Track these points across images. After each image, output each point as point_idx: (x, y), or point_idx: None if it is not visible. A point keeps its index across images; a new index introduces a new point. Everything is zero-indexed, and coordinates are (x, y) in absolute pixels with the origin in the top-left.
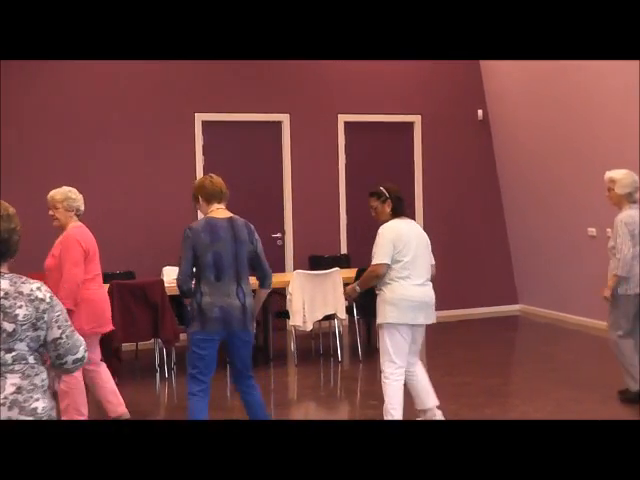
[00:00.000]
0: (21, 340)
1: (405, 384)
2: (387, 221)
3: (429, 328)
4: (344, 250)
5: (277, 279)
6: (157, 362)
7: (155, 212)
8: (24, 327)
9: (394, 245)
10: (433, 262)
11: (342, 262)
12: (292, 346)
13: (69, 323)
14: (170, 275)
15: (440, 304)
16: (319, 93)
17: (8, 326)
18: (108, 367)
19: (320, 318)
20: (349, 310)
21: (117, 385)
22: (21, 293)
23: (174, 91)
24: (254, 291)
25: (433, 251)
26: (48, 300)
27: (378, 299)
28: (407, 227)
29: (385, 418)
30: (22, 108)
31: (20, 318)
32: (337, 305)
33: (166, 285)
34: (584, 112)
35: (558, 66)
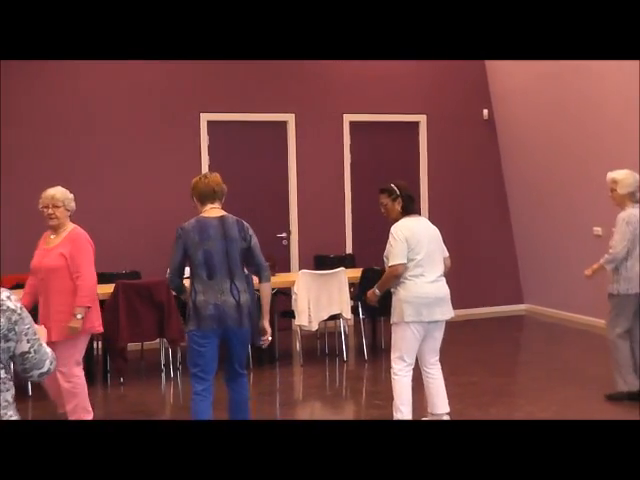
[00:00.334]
0: None
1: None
2: (397, 219)
3: None
4: (349, 250)
5: (282, 279)
6: (163, 362)
7: (161, 212)
8: None
9: (407, 244)
10: (447, 254)
11: (347, 262)
12: (297, 346)
13: (37, 337)
14: None
15: None
16: (324, 93)
17: None
18: (114, 367)
19: (325, 318)
20: (354, 310)
21: (122, 385)
22: None
23: (179, 91)
24: (257, 290)
25: None
26: (19, 311)
27: (393, 298)
28: (418, 225)
29: (394, 414)
30: (24, 108)
31: None
32: (342, 305)
33: None
34: (589, 111)
35: (563, 66)
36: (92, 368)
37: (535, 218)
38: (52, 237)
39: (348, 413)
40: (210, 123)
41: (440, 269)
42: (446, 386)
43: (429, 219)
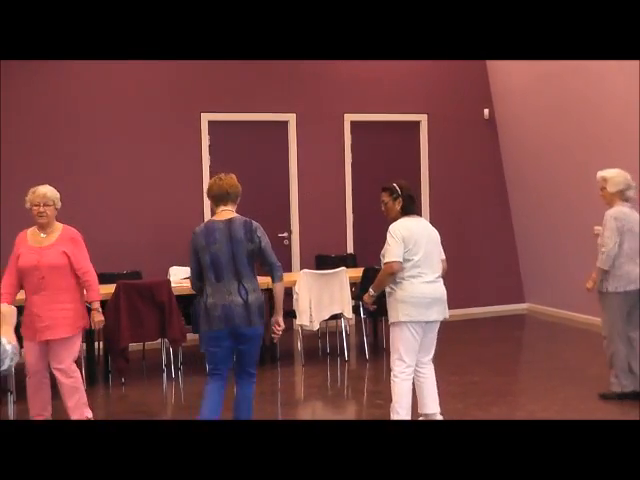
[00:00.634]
0: None
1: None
2: (396, 218)
3: None
4: (350, 249)
5: (284, 278)
6: (164, 362)
7: (162, 212)
8: None
9: (404, 244)
10: (443, 257)
11: (348, 261)
12: (299, 346)
13: None
14: (177, 275)
15: (447, 303)
16: (325, 93)
17: None
18: (115, 367)
19: (327, 317)
20: (356, 309)
21: (124, 385)
22: None
23: (180, 91)
24: (269, 290)
25: None
26: None
27: (390, 298)
28: (417, 225)
29: (392, 416)
30: (24, 108)
31: None
32: (344, 304)
33: (173, 285)
34: (590, 111)
35: (564, 66)
36: (93, 368)
37: (536, 217)
38: (43, 236)
39: (349, 413)
40: (211, 123)
41: (438, 270)
42: (447, 386)
43: (430, 218)
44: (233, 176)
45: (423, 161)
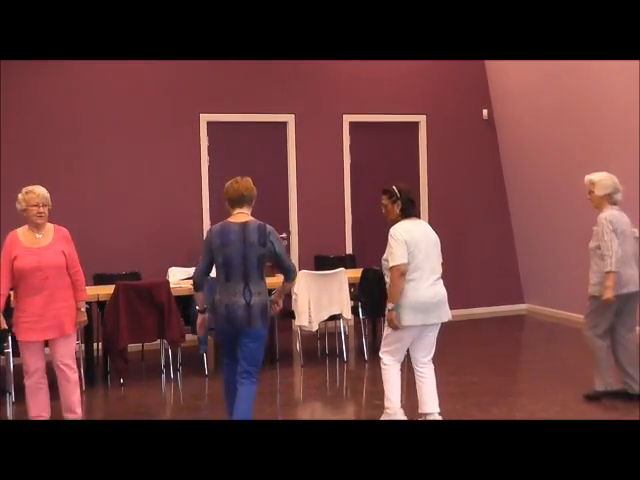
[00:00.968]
0: None
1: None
2: (396, 221)
3: None
4: (349, 250)
5: (273, 280)
6: (163, 363)
7: (161, 213)
8: None
9: (407, 246)
10: (441, 260)
11: (347, 262)
12: (298, 346)
13: None
14: (176, 276)
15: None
16: (324, 93)
17: None
18: (114, 368)
19: (326, 318)
20: (355, 310)
21: (123, 386)
22: None
23: (179, 92)
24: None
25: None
26: None
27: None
28: (416, 228)
29: (385, 404)
30: (22, 109)
31: None
32: (343, 305)
33: (172, 286)
34: (589, 111)
35: (563, 66)
36: (92, 369)
37: (535, 218)
38: (39, 236)
39: (348, 413)
40: (210, 124)
41: (437, 272)
42: (447, 386)
43: (429, 219)
44: (249, 179)
45: (422, 162)
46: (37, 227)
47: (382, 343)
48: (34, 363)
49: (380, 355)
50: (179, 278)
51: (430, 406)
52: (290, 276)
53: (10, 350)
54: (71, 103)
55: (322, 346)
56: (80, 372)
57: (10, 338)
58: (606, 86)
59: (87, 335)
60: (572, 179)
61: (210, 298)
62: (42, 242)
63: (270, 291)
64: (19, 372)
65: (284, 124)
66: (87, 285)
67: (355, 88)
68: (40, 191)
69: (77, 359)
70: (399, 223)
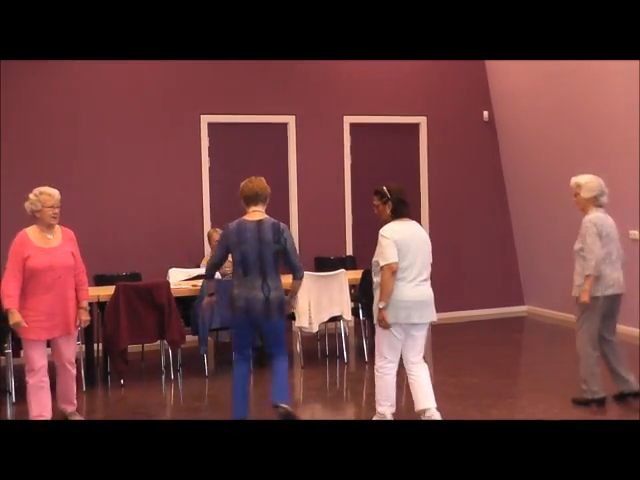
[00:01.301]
0: None
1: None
2: (387, 221)
3: (435, 329)
4: (350, 252)
5: (283, 281)
6: (163, 364)
7: (161, 214)
8: None
9: (396, 245)
10: (430, 262)
11: (348, 263)
12: (298, 347)
13: None
14: (176, 277)
15: (446, 305)
16: (325, 95)
17: None
18: (114, 369)
19: (326, 320)
20: (355, 311)
21: (123, 387)
22: None
23: (180, 93)
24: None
25: (439, 252)
26: None
27: (375, 299)
28: (406, 229)
29: (376, 408)
30: (23, 109)
31: None
32: (343, 306)
33: (172, 287)
34: (590, 113)
35: (563, 67)
36: (92, 370)
37: (535, 220)
38: (50, 237)
39: (349, 415)
40: (210, 125)
41: (425, 273)
42: (446, 388)
43: (429, 220)
44: (262, 179)
45: (422, 163)
46: (48, 228)
47: (376, 348)
48: (38, 361)
49: (375, 361)
50: (179, 279)
51: (424, 402)
52: (298, 274)
53: (10, 350)
54: (71, 104)
55: (322, 347)
56: (80, 373)
57: (11, 338)
58: (606, 87)
59: (87, 336)
60: None
61: (230, 291)
62: (53, 242)
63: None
64: (19, 372)
65: (284, 125)
66: (88, 286)
67: (356, 90)
68: (54, 192)
69: (77, 360)
70: (389, 224)
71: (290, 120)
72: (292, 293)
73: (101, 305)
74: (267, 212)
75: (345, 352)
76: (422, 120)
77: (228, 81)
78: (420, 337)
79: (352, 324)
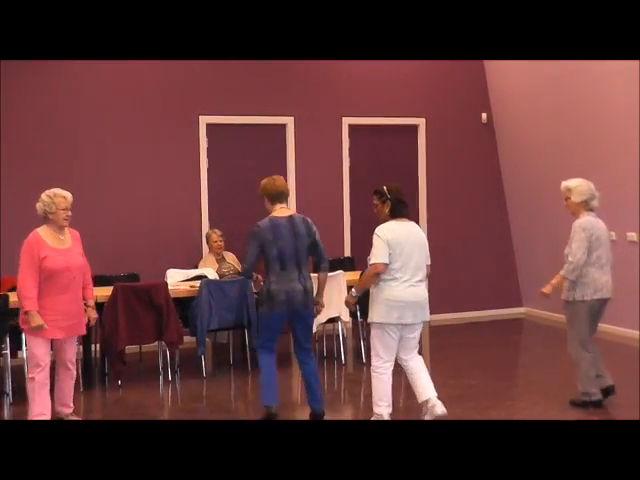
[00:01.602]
0: None
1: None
2: (385, 221)
3: (434, 331)
4: (348, 253)
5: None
6: (161, 365)
7: (159, 214)
8: None
9: (389, 246)
10: (429, 262)
11: (346, 265)
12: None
13: None
14: (174, 277)
15: (445, 307)
16: (323, 96)
17: None
18: (112, 370)
19: (324, 321)
20: (353, 313)
21: (121, 388)
22: None
23: (178, 93)
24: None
25: (437, 253)
26: None
27: (370, 299)
28: (402, 229)
29: (373, 408)
30: (20, 109)
31: None
32: (341, 308)
33: (170, 288)
34: (588, 115)
35: (562, 69)
36: (90, 371)
37: (534, 221)
38: (62, 237)
39: (346, 416)
40: (209, 126)
41: (420, 274)
42: (445, 389)
43: (427, 222)
44: (282, 177)
45: (421, 165)
46: (60, 229)
47: (371, 349)
48: (45, 359)
49: (371, 361)
50: (177, 280)
51: (425, 393)
52: (324, 265)
53: (8, 351)
54: (69, 104)
55: (320, 349)
56: (78, 373)
57: (8, 339)
58: (605, 89)
59: (85, 336)
60: None
61: (266, 287)
62: (65, 243)
63: None
64: (16, 374)
65: (283, 126)
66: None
67: (354, 91)
68: (68, 195)
69: (75, 360)
70: (386, 223)
71: (289, 121)
72: (320, 288)
73: (99, 306)
74: (265, 212)
75: (343, 353)
76: (421, 122)
77: (227, 82)
78: (414, 339)
79: (350, 325)
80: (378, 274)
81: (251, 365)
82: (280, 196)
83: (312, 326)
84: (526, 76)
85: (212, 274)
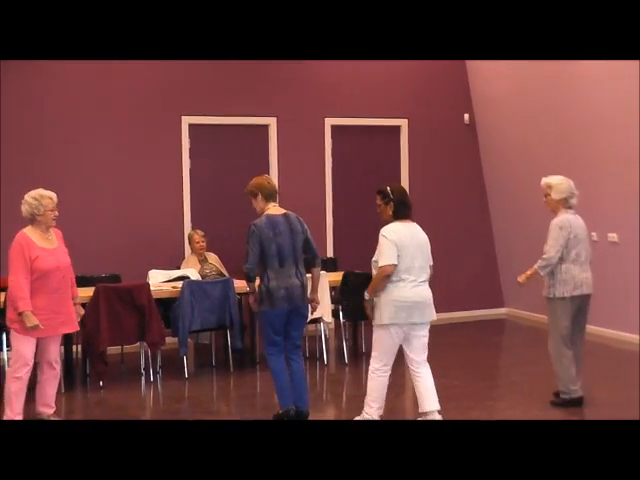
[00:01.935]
0: None
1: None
2: (388, 221)
3: None
4: (330, 253)
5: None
6: (142, 365)
7: (141, 214)
8: None
9: (396, 247)
10: (431, 263)
11: (329, 265)
12: None
13: None
14: (156, 278)
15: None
16: (306, 97)
17: None
18: (94, 371)
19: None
20: (335, 313)
21: (102, 389)
22: None
23: (161, 94)
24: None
25: None
26: None
27: (376, 301)
28: (406, 230)
29: (364, 408)
30: (11, 110)
31: None
32: (323, 308)
33: (152, 288)
34: (571, 117)
35: (545, 71)
36: (72, 372)
37: (515, 222)
38: (49, 237)
39: (328, 416)
40: (191, 126)
41: (424, 275)
42: None
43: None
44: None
45: (403, 165)
46: (47, 229)
47: (372, 350)
48: (32, 359)
49: (370, 362)
50: (159, 280)
51: (428, 404)
52: (318, 260)
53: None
54: (50, 105)
55: (302, 349)
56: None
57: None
58: (586, 92)
59: (66, 337)
60: None
61: (265, 285)
62: (53, 243)
63: None
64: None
65: (266, 127)
66: None
67: (337, 92)
68: (53, 195)
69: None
70: (390, 224)
71: (271, 122)
72: (314, 285)
73: (81, 306)
74: (248, 213)
75: (325, 354)
76: (403, 122)
77: (209, 82)
78: (424, 337)
79: (332, 326)
80: (388, 276)
81: (233, 366)
82: (274, 194)
83: (306, 321)
84: (508, 77)
85: (194, 275)
